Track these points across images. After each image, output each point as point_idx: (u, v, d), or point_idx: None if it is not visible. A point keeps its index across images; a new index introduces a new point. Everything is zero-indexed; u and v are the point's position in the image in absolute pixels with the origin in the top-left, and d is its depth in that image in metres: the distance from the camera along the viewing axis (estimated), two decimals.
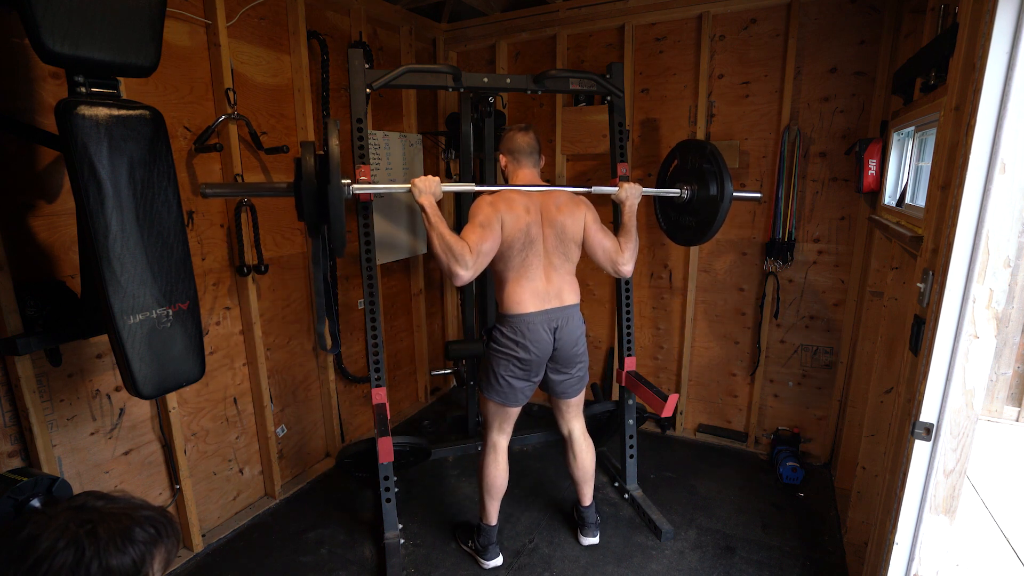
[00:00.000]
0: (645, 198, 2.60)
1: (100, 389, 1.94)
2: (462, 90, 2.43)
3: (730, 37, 2.76)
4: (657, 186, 2.53)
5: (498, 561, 2.18)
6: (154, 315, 1.49)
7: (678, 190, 2.29)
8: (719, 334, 3.08)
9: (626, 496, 2.61)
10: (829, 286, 2.77)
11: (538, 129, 3.22)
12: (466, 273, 1.78)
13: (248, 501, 2.56)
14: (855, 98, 2.55)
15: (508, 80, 2.31)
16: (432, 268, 3.63)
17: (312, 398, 2.85)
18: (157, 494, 2.16)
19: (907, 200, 2.05)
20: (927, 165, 1.91)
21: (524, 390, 2.04)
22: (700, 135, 2.88)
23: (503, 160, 2.09)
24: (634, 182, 2.16)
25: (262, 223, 2.40)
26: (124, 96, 1.50)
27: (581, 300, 2.08)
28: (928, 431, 1.23)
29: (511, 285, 1.96)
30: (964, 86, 1.17)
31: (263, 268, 2.42)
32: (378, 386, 2.14)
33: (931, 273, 1.27)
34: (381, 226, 3.04)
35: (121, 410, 2.01)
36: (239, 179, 2.26)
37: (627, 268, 2.05)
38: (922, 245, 1.38)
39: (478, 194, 2.03)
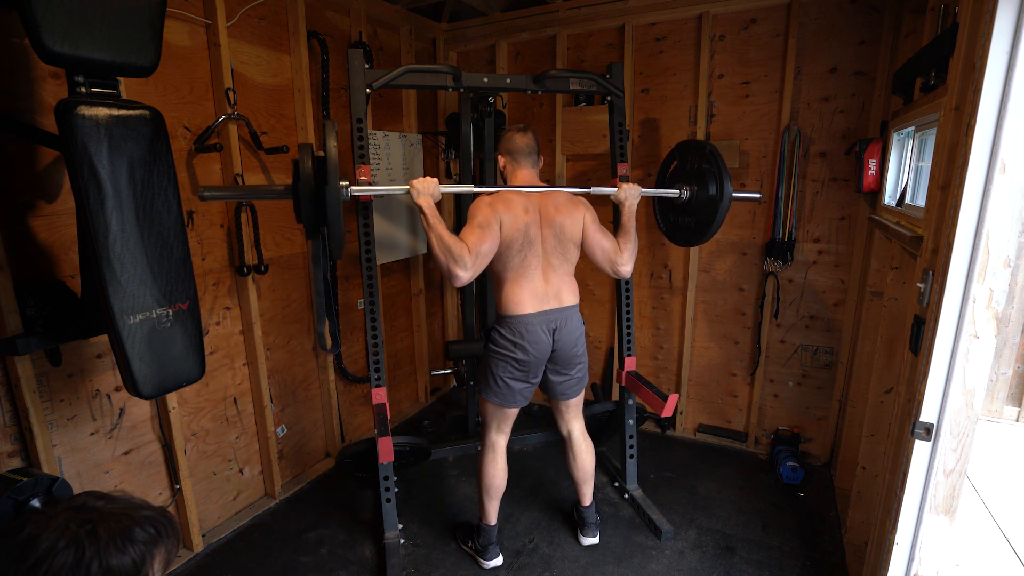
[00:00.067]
0: (645, 198, 2.60)
1: (100, 389, 1.94)
2: (462, 90, 2.43)
3: (730, 37, 2.76)
4: (657, 186, 2.53)
5: (498, 561, 2.18)
6: (154, 315, 1.49)
7: (677, 190, 2.29)
8: (719, 334, 3.08)
9: (626, 496, 2.61)
10: (829, 286, 2.77)
11: (538, 129, 3.24)
12: (465, 274, 1.78)
13: (248, 501, 2.56)
14: (855, 98, 2.55)
15: (508, 80, 2.31)
16: (432, 268, 3.63)
17: (312, 398, 2.85)
18: (157, 494, 2.16)
19: (907, 200, 2.05)
20: (927, 165, 1.91)
21: (523, 391, 2.04)
22: (700, 135, 2.88)
23: (502, 161, 2.09)
24: (634, 182, 2.16)
25: (262, 223, 2.40)
26: (124, 96, 1.50)
27: (581, 300, 2.08)
28: (928, 431, 1.23)
29: (509, 286, 1.96)
30: (964, 86, 1.17)
31: (263, 268, 2.42)
32: (378, 386, 2.14)
33: (931, 273, 1.27)
34: (381, 226, 3.04)
35: (121, 410, 2.01)
36: (239, 179, 2.26)
37: (626, 269, 2.05)
38: (922, 245, 1.38)
39: (477, 195, 2.02)
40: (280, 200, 2.49)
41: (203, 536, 2.30)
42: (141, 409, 2.08)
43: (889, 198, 2.23)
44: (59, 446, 1.82)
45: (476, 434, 3.16)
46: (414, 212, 3.22)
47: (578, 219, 2.01)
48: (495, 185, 2.66)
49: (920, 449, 1.25)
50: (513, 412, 2.10)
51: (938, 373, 1.21)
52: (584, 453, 2.23)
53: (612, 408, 2.75)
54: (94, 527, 0.77)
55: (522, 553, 2.26)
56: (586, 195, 2.10)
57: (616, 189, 2.10)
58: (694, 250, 3.02)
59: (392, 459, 2.10)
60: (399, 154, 3.12)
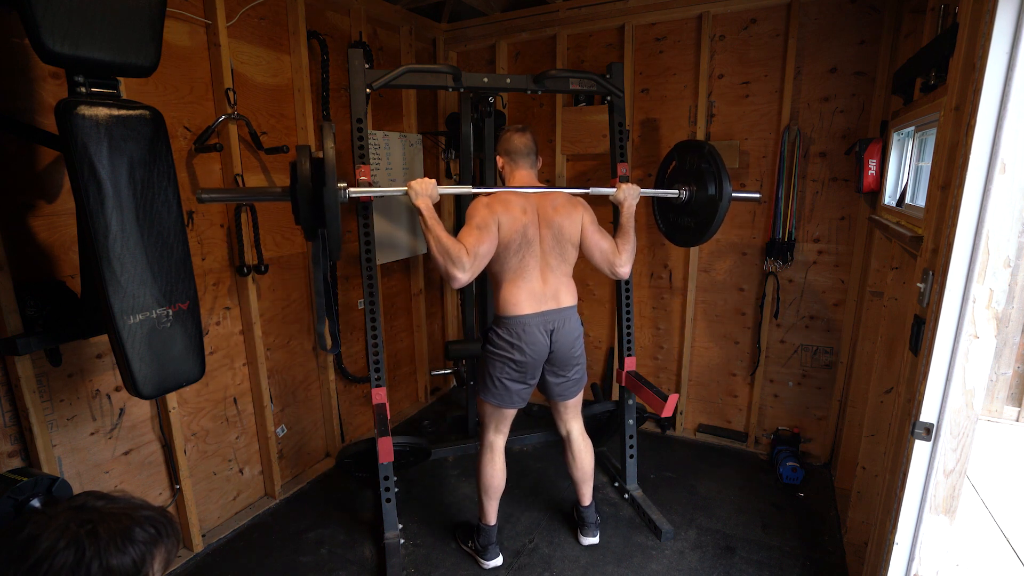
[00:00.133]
0: (644, 199, 2.60)
1: (100, 389, 1.94)
2: (462, 90, 2.42)
3: (730, 37, 2.76)
4: (656, 187, 2.53)
5: (498, 561, 2.18)
6: (154, 315, 1.49)
7: (676, 191, 2.29)
8: (719, 334, 3.08)
9: (626, 496, 2.61)
10: (829, 286, 2.77)
11: (538, 129, 3.25)
12: (463, 276, 1.77)
13: (248, 501, 2.56)
14: (855, 98, 2.55)
15: (508, 80, 2.31)
16: (432, 268, 3.63)
17: (312, 398, 2.85)
18: (157, 494, 2.16)
19: (907, 200, 2.05)
20: (927, 165, 1.91)
21: (520, 392, 2.04)
22: (700, 135, 2.88)
23: (500, 161, 2.09)
24: (634, 183, 2.16)
25: (262, 223, 2.40)
26: (124, 96, 1.50)
27: (581, 300, 2.08)
28: (928, 431, 1.23)
29: (507, 286, 1.96)
30: (964, 86, 1.17)
31: (263, 268, 2.42)
32: (378, 386, 2.14)
33: (931, 273, 1.27)
34: (381, 226, 3.04)
35: (121, 410, 2.01)
36: (239, 179, 2.26)
37: (624, 270, 2.05)
38: (922, 245, 1.38)
39: (476, 195, 2.02)
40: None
41: (203, 536, 2.30)
42: (141, 409, 2.08)
43: (889, 198, 2.23)
44: (59, 446, 1.82)
45: (476, 434, 3.16)
46: (414, 212, 3.22)
47: (576, 220, 2.01)
48: (495, 186, 2.66)
49: (920, 449, 1.25)
50: (511, 413, 2.10)
51: (938, 373, 1.21)
52: (583, 453, 2.23)
53: (612, 408, 2.75)
54: (94, 527, 0.77)
55: (522, 553, 2.26)
56: (585, 196, 2.10)
57: (615, 190, 2.10)
58: (694, 250, 3.02)
59: (392, 459, 2.10)
60: (399, 154, 3.12)
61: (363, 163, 2.08)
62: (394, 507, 2.23)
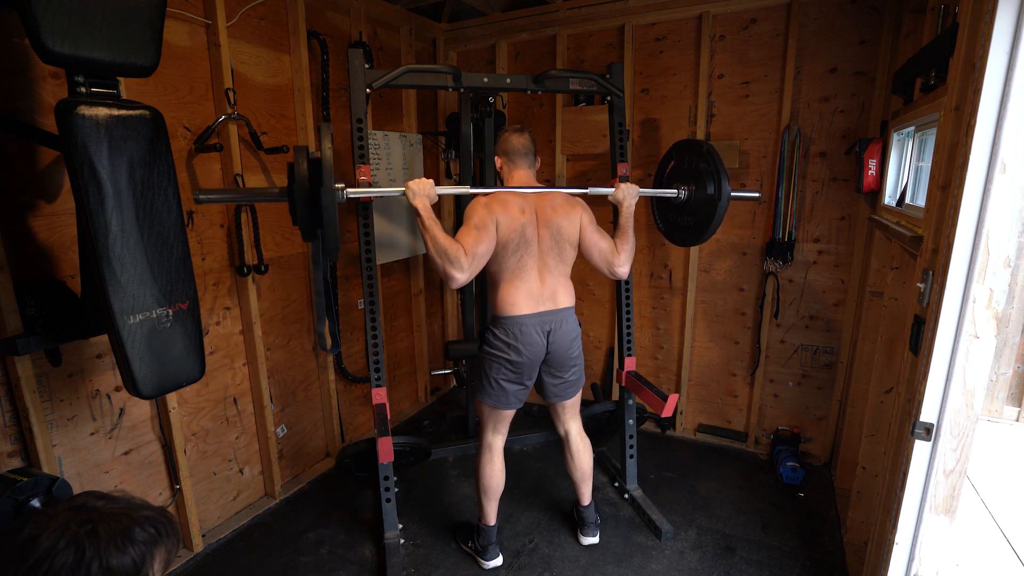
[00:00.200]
0: (644, 199, 2.59)
1: (100, 389, 1.94)
2: (462, 90, 2.42)
3: (730, 37, 2.76)
4: (655, 187, 2.53)
5: (498, 561, 2.18)
6: (154, 315, 1.49)
7: (675, 190, 2.29)
8: (719, 334, 3.08)
9: (626, 496, 2.61)
10: (829, 286, 2.77)
11: (538, 129, 3.25)
12: (461, 276, 1.77)
13: (248, 501, 2.56)
14: (855, 98, 2.55)
15: (508, 80, 2.31)
16: (432, 268, 3.62)
17: (312, 398, 2.85)
18: (157, 494, 2.16)
19: (907, 200, 2.05)
20: (927, 165, 1.91)
21: (516, 393, 2.04)
22: (700, 135, 2.88)
23: (499, 162, 2.09)
24: (633, 182, 2.15)
25: (262, 223, 2.40)
26: (124, 96, 1.50)
27: (581, 300, 2.08)
28: (928, 431, 1.23)
29: (505, 286, 1.96)
30: (964, 86, 1.17)
31: (263, 268, 2.42)
32: (378, 386, 2.14)
33: (931, 273, 1.27)
34: (381, 226, 3.04)
35: (121, 410, 2.01)
36: (239, 179, 2.26)
37: (623, 270, 2.04)
38: (922, 245, 1.38)
39: (475, 195, 2.02)
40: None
41: (203, 536, 2.30)
42: (141, 409, 2.08)
43: (889, 198, 2.23)
44: (59, 446, 1.82)
45: (476, 434, 3.15)
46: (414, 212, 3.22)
47: (575, 220, 2.00)
48: (495, 186, 2.66)
49: (920, 449, 1.25)
50: (509, 413, 2.10)
51: (938, 373, 1.21)
52: (582, 453, 2.23)
53: (612, 408, 2.75)
54: (94, 527, 0.77)
55: (522, 553, 2.26)
56: (584, 196, 2.10)
57: (614, 190, 2.10)
58: (694, 250, 3.02)
59: (392, 459, 2.10)
60: (399, 154, 3.12)
61: (363, 163, 2.08)
62: (394, 507, 2.23)
